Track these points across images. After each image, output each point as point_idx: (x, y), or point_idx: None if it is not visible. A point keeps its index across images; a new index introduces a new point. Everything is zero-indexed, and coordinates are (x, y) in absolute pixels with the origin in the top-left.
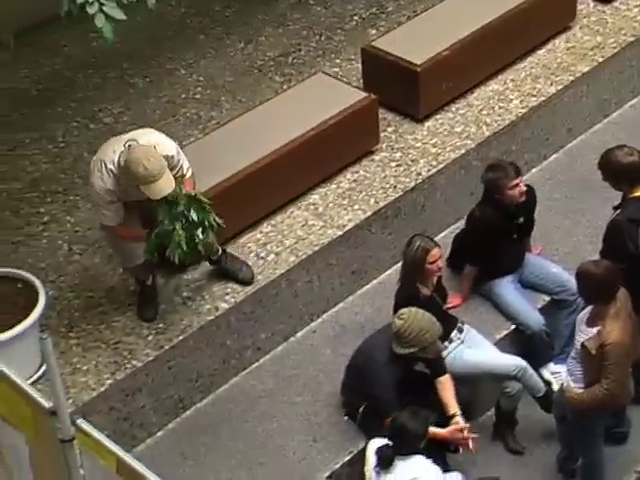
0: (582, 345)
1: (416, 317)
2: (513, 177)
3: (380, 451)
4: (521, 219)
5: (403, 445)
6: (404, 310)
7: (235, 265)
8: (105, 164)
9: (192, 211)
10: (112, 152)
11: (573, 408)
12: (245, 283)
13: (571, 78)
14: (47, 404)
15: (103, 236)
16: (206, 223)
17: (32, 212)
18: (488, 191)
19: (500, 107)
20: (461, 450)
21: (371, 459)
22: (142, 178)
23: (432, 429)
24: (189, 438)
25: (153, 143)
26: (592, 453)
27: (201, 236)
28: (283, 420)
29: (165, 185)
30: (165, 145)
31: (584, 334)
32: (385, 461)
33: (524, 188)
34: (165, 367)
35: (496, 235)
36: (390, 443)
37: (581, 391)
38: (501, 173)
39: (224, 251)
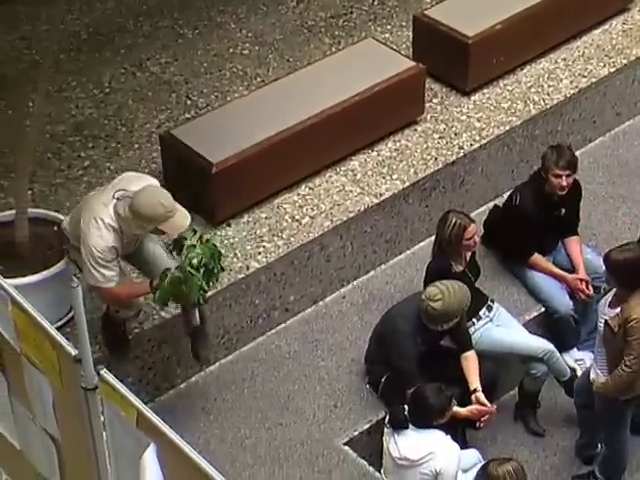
0: (605, 324)
1: (450, 294)
2: (562, 167)
3: (393, 412)
4: (562, 210)
5: (419, 416)
6: (433, 291)
7: (201, 333)
8: (102, 220)
9: (206, 251)
10: (103, 206)
11: (600, 397)
12: (196, 356)
13: (624, 61)
14: (73, 351)
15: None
16: (218, 264)
17: (73, 156)
18: (539, 170)
19: (549, 86)
20: (481, 426)
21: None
22: (162, 216)
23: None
24: (211, 393)
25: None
26: (616, 443)
27: (216, 276)
28: (305, 383)
29: (183, 218)
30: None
31: (606, 315)
32: (397, 422)
33: (565, 183)
34: None
35: (536, 226)
36: (407, 408)
37: (605, 378)
38: (554, 156)
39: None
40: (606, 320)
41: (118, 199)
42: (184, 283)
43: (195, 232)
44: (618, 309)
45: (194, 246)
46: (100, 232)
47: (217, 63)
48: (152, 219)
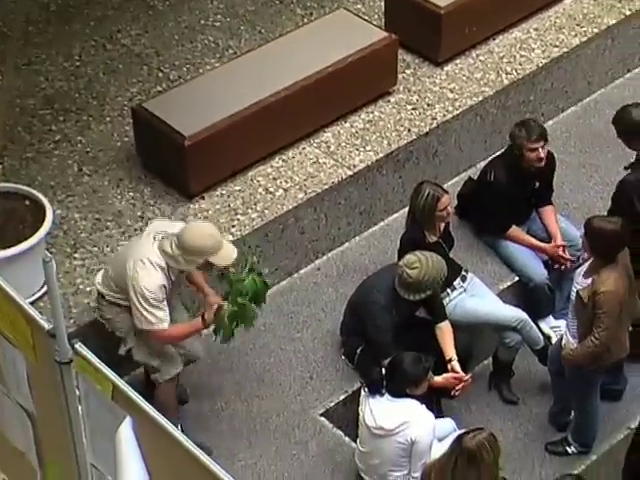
0: (577, 294)
1: (427, 263)
2: (535, 140)
3: (370, 375)
4: (537, 184)
5: (395, 384)
6: (412, 258)
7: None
8: (148, 260)
9: (252, 282)
10: (146, 248)
11: (569, 364)
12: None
13: (596, 30)
14: (46, 325)
15: (137, 347)
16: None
17: (44, 129)
18: (510, 146)
19: (521, 56)
20: (456, 395)
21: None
22: (212, 248)
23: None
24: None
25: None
26: (587, 409)
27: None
28: (281, 355)
29: (231, 250)
30: None
31: (580, 285)
32: (373, 386)
33: (542, 155)
34: None
35: (511, 201)
36: (383, 375)
37: (575, 346)
38: (524, 132)
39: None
40: (577, 290)
41: (162, 238)
42: (241, 315)
43: (246, 263)
44: (590, 279)
45: (242, 280)
46: (148, 272)
47: (189, 35)
48: (202, 252)
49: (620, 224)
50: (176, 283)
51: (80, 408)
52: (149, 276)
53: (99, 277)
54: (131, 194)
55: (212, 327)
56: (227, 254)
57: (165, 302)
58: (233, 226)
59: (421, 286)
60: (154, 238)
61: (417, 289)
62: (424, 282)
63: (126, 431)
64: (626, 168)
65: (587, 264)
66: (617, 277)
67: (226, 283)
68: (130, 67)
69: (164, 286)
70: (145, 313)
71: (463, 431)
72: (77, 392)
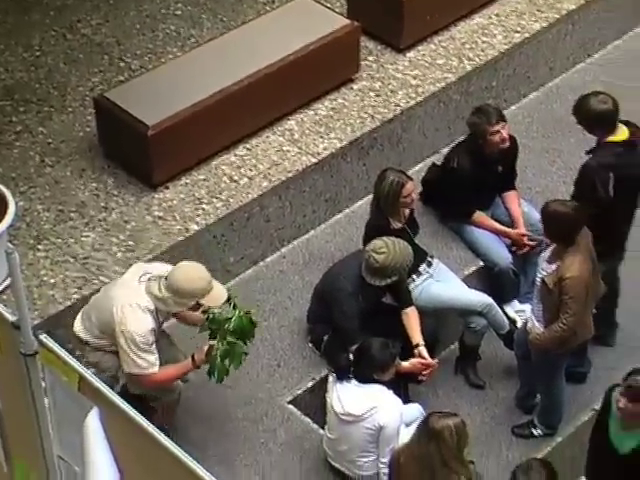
0: (542, 281)
1: (394, 248)
2: (495, 123)
3: (338, 360)
4: (500, 168)
5: (362, 369)
6: (379, 243)
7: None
8: (137, 304)
9: (239, 319)
10: (133, 292)
11: (536, 348)
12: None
13: (557, 16)
14: (11, 317)
15: (131, 382)
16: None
17: (4, 121)
18: (471, 134)
19: (483, 42)
20: (423, 380)
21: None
22: (203, 290)
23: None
24: None
25: (169, 269)
26: (552, 392)
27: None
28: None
29: (221, 290)
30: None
31: (544, 271)
32: (340, 371)
33: (505, 135)
34: None
35: (475, 187)
36: (350, 359)
37: (542, 330)
38: (484, 118)
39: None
40: (543, 277)
41: (148, 280)
42: (231, 354)
43: (229, 299)
44: (555, 265)
45: (230, 318)
46: (137, 316)
47: (150, 24)
48: (193, 294)
49: (574, 207)
50: (162, 323)
51: (46, 400)
52: (138, 320)
53: (78, 323)
54: (94, 185)
55: (205, 368)
56: (218, 295)
57: (154, 345)
58: (198, 215)
59: (387, 271)
60: (139, 280)
61: (383, 274)
62: (390, 267)
63: (93, 422)
64: (587, 153)
65: (550, 249)
66: (581, 261)
67: (212, 322)
68: (91, 57)
69: (154, 329)
70: (135, 358)
71: (431, 413)
72: (43, 384)
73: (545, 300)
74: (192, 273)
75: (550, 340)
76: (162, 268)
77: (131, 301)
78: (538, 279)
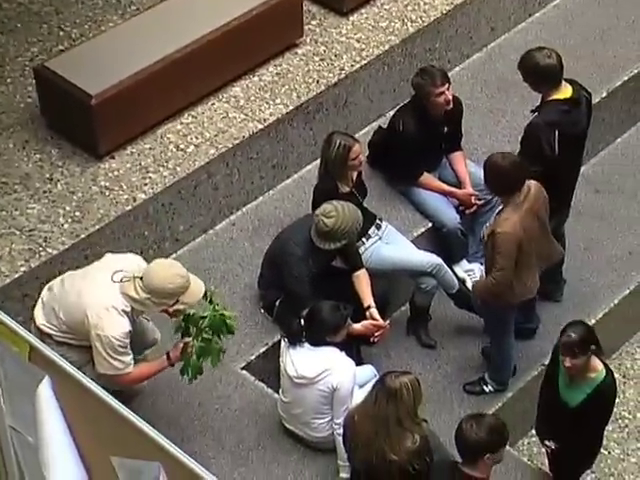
0: (483, 236)
1: (344, 212)
2: (440, 84)
3: (290, 326)
4: (445, 129)
5: (313, 332)
6: (328, 207)
7: None
8: (114, 308)
9: (215, 315)
10: (108, 293)
11: (475, 297)
12: None
13: None
14: None
15: (98, 378)
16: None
17: None
18: (416, 95)
19: (425, 3)
20: (375, 341)
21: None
22: (182, 287)
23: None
24: None
25: (142, 264)
26: (502, 347)
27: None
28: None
29: (199, 285)
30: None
31: (486, 225)
32: (292, 335)
33: (450, 97)
34: (81, 256)
35: (421, 148)
36: (302, 324)
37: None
38: (428, 79)
39: None
40: (484, 228)
41: (121, 280)
42: (207, 351)
43: (205, 296)
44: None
45: (204, 316)
46: (114, 319)
47: None
48: (173, 293)
49: (514, 160)
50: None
51: None
52: (116, 324)
53: (40, 315)
54: (38, 156)
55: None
56: (196, 290)
57: (129, 345)
58: (145, 184)
59: (337, 235)
60: (112, 279)
61: (333, 238)
62: (340, 231)
63: (45, 391)
64: (533, 111)
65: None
66: (517, 220)
67: (187, 321)
68: (29, 26)
69: (130, 331)
70: (111, 360)
71: (386, 372)
72: None
73: (485, 252)
74: (168, 271)
75: (483, 291)
76: (134, 262)
77: (107, 304)
78: (482, 233)
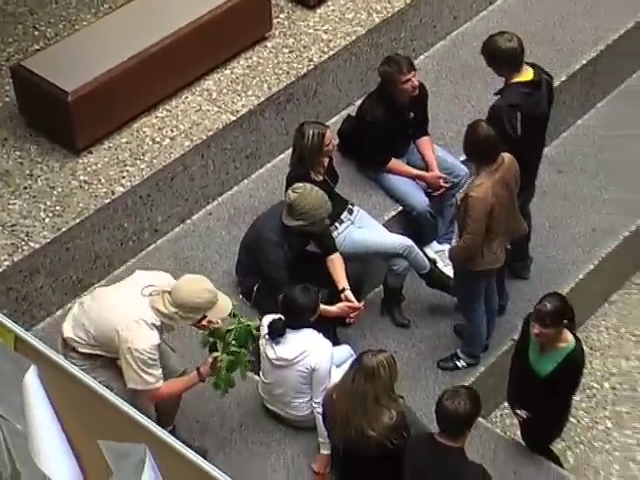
0: (456, 201)
1: (310, 193)
2: (406, 72)
3: (272, 323)
4: (412, 114)
5: (294, 319)
6: (300, 184)
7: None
8: (144, 321)
9: (241, 329)
10: (138, 306)
11: (454, 268)
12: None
13: None
14: None
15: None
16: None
17: None
18: (383, 83)
19: None
20: (351, 322)
21: (264, 332)
22: (210, 302)
23: (323, 307)
24: None
25: (171, 281)
26: (473, 320)
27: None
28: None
29: (226, 301)
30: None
31: (459, 192)
32: (275, 331)
33: (416, 83)
34: (63, 249)
35: (389, 135)
36: (282, 317)
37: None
38: (395, 67)
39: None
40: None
41: (151, 295)
42: (235, 364)
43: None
44: None
45: (230, 330)
46: (144, 333)
47: None
48: (201, 307)
49: (490, 128)
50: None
51: None
52: (145, 336)
53: (68, 329)
54: (17, 153)
55: (210, 381)
56: (224, 307)
57: (159, 360)
58: (123, 177)
59: (295, 211)
60: (142, 293)
61: (292, 213)
62: (299, 208)
63: (32, 380)
64: (496, 94)
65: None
66: (489, 187)
67: (214, 335)
68: (4, 27)
69: (159, 345)
70: (142, 374)
71: (363, 352)
72: None
73: (458, 218)
74: (197, 285)
75: (455, 254)
76: (164, 279)
77: (136, 317)
78: (455, 201)
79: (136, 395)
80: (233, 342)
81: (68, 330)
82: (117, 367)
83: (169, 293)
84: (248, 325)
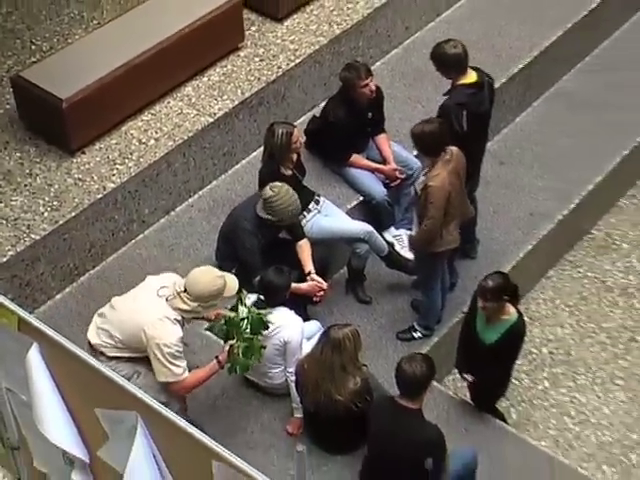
0: (415, 190)
1: (286, 193)
2: (364, 78)
3: (256, 304)
4: (370, 115)
5: (270, 297)
6: (278, 184)
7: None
8: (166, 317)
9: (254, 317)
10: (160, 306)
11: (411, 247)
12: None
13: None
14: None
15: (146, 388)
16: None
17: None
18: (344, 87)
19: (348, 8)
20: (319, 301)
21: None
22: (222, 286)
23: (294, 285)
24: (83, 300)
25: (178, 279)
26: (431, 296)
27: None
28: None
29: (232, 278)
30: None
31: (417, 183)
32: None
33: (373, 87)
34: (60, 239)
35: (350, 133)
36: (261, 297)
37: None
38: (354, 73)
39: None
40: (415, 186)
41: (167, 300)
42: (250, 350)
43: (240, 301)
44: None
45: (243, 319)
46: (169, 328)
47: (55, 10)
48: (217, 294)
49: (435, 125)
50: None
51: None
52: (170, 331)
53: (94, 336)
54: (18, 154)
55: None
56: (233, 285)
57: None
58: (113, 175)
59: (269, 207)
60: (158, 295)
61: (265, 207)
62: (270, 203)
63: (34, 356)
64: (444, 95)
65: (426, 169)
66: (445, 176)
67: (229, 324)
68: (4, 41)
69: (182, 337)
70: (171, 367)
71: (330, 326)
72: None
73: (417, 207)
74: (208, 276)
75: (418, 239)
76: (172, 278)
77: (160, 315)
78: (413, 191)
79: (167, 389)
80: (246, 330)
81: (94, 337)
82: (142, 360)
83: (184, 291)
84: (259, 314)
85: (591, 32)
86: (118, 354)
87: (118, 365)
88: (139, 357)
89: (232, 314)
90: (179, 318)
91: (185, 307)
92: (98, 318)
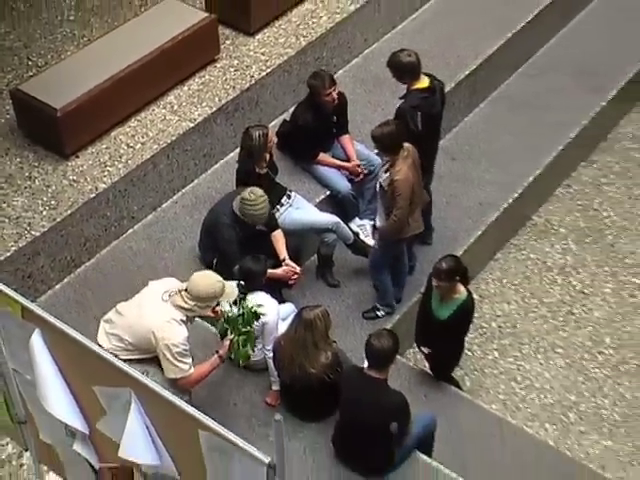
0: (380, 186)
1: (261, 202)
2: (328, 86)
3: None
4: (335, 118)
5: (249, 282)
6: (259, 191)
7: None
8: (173, 319)
9: (248, 314)
10: (165, 310)
11: (381, 238)
12: None
13: None
14: None
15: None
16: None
17: None
18: (310, 93)
19: (313, 22)
20: (293, 285)
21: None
22: (220, 290)
23: (270, 270)
24: (80, 289)
25: (179, 283)
26: (382, 279)
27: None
28: (155, 272)
29: (231, 285)
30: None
31: (381, 179)
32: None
33: (335, 95)
34: (58, 235)
35: (317, 134)
36: (242, 283)
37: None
38: (319, 81)
39: None
40: (380, 182)
41: (170, 296)
42: (248, 340)
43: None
44: (388, 173)
45: (239, 315)
46: (176, 328)
47: (49, 29)
48: (216, 296)
49: (391, 128)
50: None
51: None
52: (177, 331)
53: (105, 341)
54: (18, 159)
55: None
56: (231, 291)
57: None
58: (104, 176)
59: (243, 207)
60: (162, 299)
61: (241, 208)
62: (248, 207)
63: (37, 341)
64: (400, 98)
65: (384, 166)
66: (407, 169)
67: (228, 322)
68: (3, 58)
69: (187, 337)
70: (178, 364)
71: (303, 307)
72: None
73: (383, 200)
74: (208, 279)
75: (389, 229)
76: (173, 282)
77: (166, 318)
78: (378, 187)
79: (174, 384)
80: (244, 324)
81: (105, 342)
82: (150, 361)
83: (185, 290)
84: (251, 308)
85: (529, 41)
86: (129, 356)
87: (129, 366)
88: (148, 358)
89: (229, 312)
90: (184, 319)
91: (183, 304)
92: (105, 324)
